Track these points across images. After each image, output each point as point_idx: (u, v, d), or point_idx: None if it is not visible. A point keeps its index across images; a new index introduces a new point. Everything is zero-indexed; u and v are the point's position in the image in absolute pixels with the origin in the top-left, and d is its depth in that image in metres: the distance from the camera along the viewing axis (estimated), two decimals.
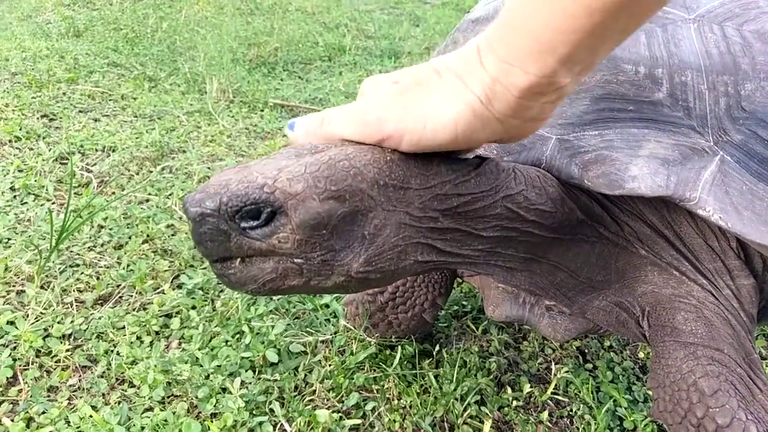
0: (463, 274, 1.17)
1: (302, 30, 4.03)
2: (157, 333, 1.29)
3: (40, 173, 1.89)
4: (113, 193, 1.85)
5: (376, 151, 0.68)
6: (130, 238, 1.60)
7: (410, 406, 1.16)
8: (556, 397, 1.25)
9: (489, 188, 0.77)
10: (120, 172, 1.97)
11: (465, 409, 1.16)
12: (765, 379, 0.85)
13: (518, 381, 1.27)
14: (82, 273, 1.44)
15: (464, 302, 1.50)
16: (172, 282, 1.46)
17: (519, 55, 0.57)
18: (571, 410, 1.22)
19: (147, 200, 1.81)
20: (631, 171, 0.82)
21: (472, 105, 0.61)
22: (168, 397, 1.13)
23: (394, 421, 1.12)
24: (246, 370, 1.19)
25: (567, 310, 1.00)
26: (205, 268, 1.50)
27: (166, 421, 1.06)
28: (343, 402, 1.15)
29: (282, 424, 1.09)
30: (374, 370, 1.23)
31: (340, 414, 1.12)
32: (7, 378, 1.13)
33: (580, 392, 1.26)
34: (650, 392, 1.01)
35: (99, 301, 1.37)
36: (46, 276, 1.41)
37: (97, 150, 2.10)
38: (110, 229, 1.63)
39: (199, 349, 1.23)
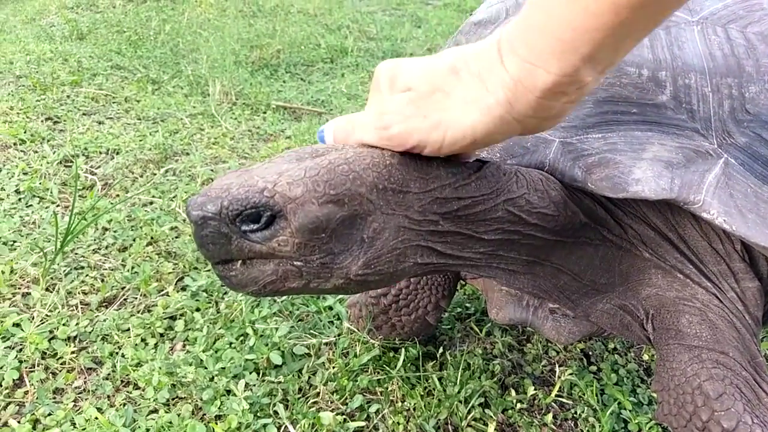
0: (467, 276, 1.17)
1: (304, 32, 4.04)
2: (161, 335, 1.30)
3: (44, 176, 1.90)
4: (117, 195, 1.86)
5: (376, 155, 0.68)
6: (134, 240, 1.60)
7: (414, 409, 1.16)
8: (560, 399, 1.25)
9: (490, 191, 0.77)
10: (124, 175, 1.98)
11: (469, 412, 1.16)
12: None
13: (522, 383, 1.27)
14: (87, 275, 1.45)
15: (468, 304, 1.51)
16: (176, 284, 1.46)
17: (542, 54, 0.56)
18: (576, 413, 1.22)
19: (151, 203, 1.82)
20: (635, 174, 0.82)
21: (491, 109, 0.61)
22: (173, 399, 1.13)
23: (398, 423, 1.13)
24: (250, 372, 1.20)
25: (571, 312, 1.00)
26: (208, 271, 1.51)
27: (171, 423, 1.07)
28: (347, 404, 1.15)
29: (286, 427, 1.09)
30: (378, 373, 1.23)
31: (344, 416, 1.13)
32: (14, 380, 1.13)
33: (584, 394, 1.26)
34: (655, 395, 1.00)
35: (104, 304, 1.38)
36: (52, 278, 1.42)
37: (101, 152, 2.11)
38: (114, 232, 1.63)
39: (204, 351, 1.23)
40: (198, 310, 1.37)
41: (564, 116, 0.64)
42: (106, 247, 1.57)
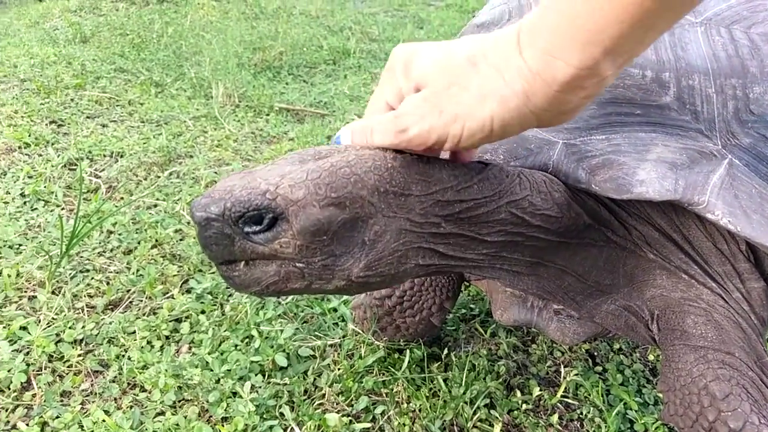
0: (471, 277, 1.17)
1: (307, 34, 4.05)
2: (167, 337, 1.30)
3: (49, 179, 1.91)
4: (122, 198, 1.86)
5: (378, 157, 0.69)
6: (139, 243, 1.61)
7: (419, 410, 1.17)
8: (565, 400, 1.25)
9: (492, 194, 0.77)
10: (128, 178, 1.98)
11: (474, 413, 1.16)
12: None
13: (527, 384, 1.27)
14: (92, 278, 1.46)
15: (472, 305, 1.51)
16: (181, 287, 1.47)
17: (562, 46, 0.55)
18: (581, 413, 1.22)
19: (155, 205, 1.83)
20: (639, 175, 0.82)
21: (508, 101, 0.60)
22: (179, 401, 1.14)
23: (404, 424, 1.13)
24: (256, 374, 1.20)
25: (575, 313, 1.00)
26: (213, 273, 1.51)
27: (177, 425, 1.07)
28: (352, 406, 1.16)
29: (293, 428, 1.09)
30: (383, 374, 1.23)
31: (349, 417, 1.13)
32: (22, 383, 1.14)
33: (590, 395, 1.26)
34: (661, 395, 1.00)
35: (109, 306, 1.39)
36: (57, 281, 1.43)
37: (105, 155, 2.11)
38: (119, 235, 1.64)
39: (209, 354, 1.24)
40: (203, 312, 1.38)
41: (579, 111, 0.63)
42: (111, 250, 1.58)
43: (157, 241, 1.62)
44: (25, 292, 1.39)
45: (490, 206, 0.77)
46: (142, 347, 1.26)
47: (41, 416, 1.07)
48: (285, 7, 4.85)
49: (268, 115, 2.70)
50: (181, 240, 1.65)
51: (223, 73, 2.98)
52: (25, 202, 1.77)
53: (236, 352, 1.25)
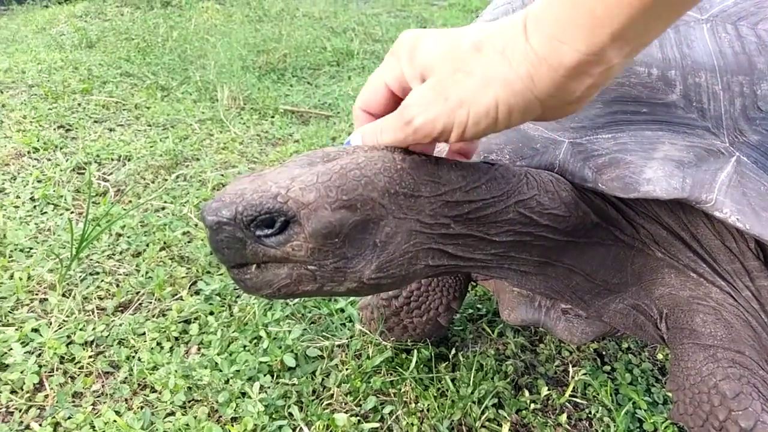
0: (478, 277, 1.17)
1: (310, 35, 4.06)
2: (176, 339, 1.31)
3: (58, 183, 1.92)
4: (130, 201, 1.88)
5: (387, 159, 0.69)
6: (147, 245, 1.62)
7: (428, 410, 1.17)
8: (574, 399, 1.25)
9: (500, 194, 0.77)
10: (136, 181, 2.00)
11: (483, 412, 1.16)
12: None
13: (536, 384, 1.27)
14: (102, 281, 1.47)
15: (479, 305, 1.51)
16: (189, 288, 1.48)
17: (569, 30, 0.55)
18: (590, 413, 1.22)
19: (163, 208, 1.84)
20: (646, 174, 0.82)
21: (513, 84, 0.59)
22: (189, 401, 1.14)
23: (412, 424, 1.13)
24: (264, 375, 1.21)
25: (583, 313, 1.00)
26: (221, 274, 1.52)
27: (187, 425, 1.08)
28: (360, 406, 1.16)
29: (301, 428, 1.10)
30: (391, 374, 1.24)
31: (358, 417, 1.13)
32: (34, 384, 1.15)
33: (598, 394, 1.26)
34: (670, 394, 1.00)
35: (119, 308, 1.40)
36: (68, 284, 1.44)
37: (112, 159, 2.13)
38: (128, 237, 1.65)
39: (218, 354, 1.25)
40: (212, 313, 1.39)
41: (585, 102, 0.62)
42: (121, 253, 1.59)
43: (165, 243, 1.64)
44: (37, 294, 1.40)
45: (498, 206, 0.77)
46: (152, 348, 1.27)
47: (54, 417, 1.08)
48: (288, 9, 4.87)
49: (273, 117, 2.71)
50: (189, 242, 1.66)
51: (228, 76, 2.99)
52: (35, 206, 1.79)
53: (245, 352, 1.25)
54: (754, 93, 0.86)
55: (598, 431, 1.18)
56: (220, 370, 1.21)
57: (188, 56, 3.42)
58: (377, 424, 1.13)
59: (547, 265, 0.91)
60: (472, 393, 1.20)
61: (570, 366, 1.33)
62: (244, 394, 1.16)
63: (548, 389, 1.25)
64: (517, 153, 0.92)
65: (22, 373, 1.16)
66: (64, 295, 1.40)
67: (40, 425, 1.07)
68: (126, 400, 1.15)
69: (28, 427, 1.07)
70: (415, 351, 1.26)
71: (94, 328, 1.30)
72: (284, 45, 3.69)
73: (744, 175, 0.82)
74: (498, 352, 1.36)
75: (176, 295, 1.45)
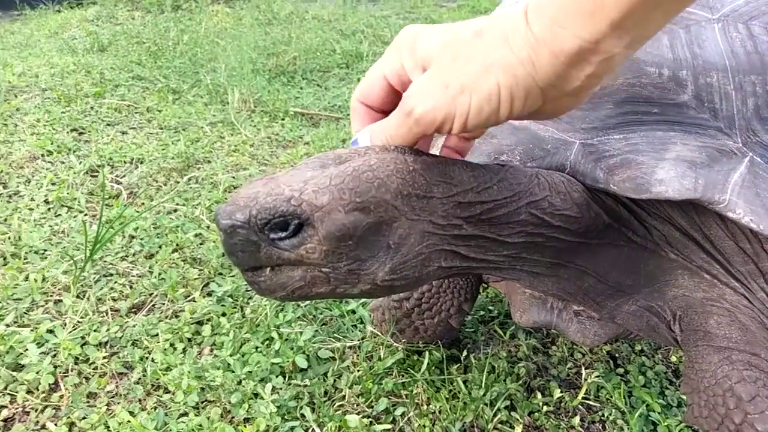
0: (489, 279, 1.17)
1: (319, 38, 4.07)
2: (189, 340, 1.32)
3: (72, 186, 1.95)
4: (142, 203, 1.90)
5: (399, 161, 0.69)
6: (160, 247, 1.64)
7: (439, 412, 1.17)
8: (587, 402, 1.24)
9: (512, 194, 0.77)
10: (148, 183, 2.02)
11: (495, 415, 1.16)
12: None
13: (548, 386, 1.27)
14: (115, 282, 1.49)
15: (491, 307, 1.51)
16: (202, 290, 1.49)
17: (570, 16, 0.55)
18: (603, 415, 1.22)
19: (175, 210, 1.86)
20: (658, 174, 0.82)
21: (514, 69, 0.59)
22: (202, 402, 1.15)
23: (424, 426, 1.13)
24: (276, 376, 1.21)
25: (596, 315, 1.00)
26: (233, 276, 1.53)
27: (200, 425, 1.09)
28: (372, 407, 1.17)
29: (314, 429, 1.10)
30: (402, 376, 1.24)
31: (370, 419, 1.14)
32: (49, 384, 1.17)
33: (611, 397, 1.25)
34: (684, 397, 1.00)
35: (133, 310, 1.41)
36: (82, 286, 1.46)
37: (125, 162, 2.15)
38: (141, 239, 1.67)
39: (231, 356, 1.26)
40: (224, 315, 1.40)
41: (585, 94, 0.62)
42: (134, 255, 1.61)
43: (177, 245, 1.65)
44: (51, 296, 1.42)
45: (510, 207, 0.77)
46: (165, 349, 1.28)
47: (69, 417, 1.10)
48: (298, 12, 4.90)
49: (283, 119, 2.72)
50: (201, 244, 1.67)
51: (239, 79, 3.01)
52: (49, 209, 1.81)
53: (257, 353, 1.26)
54: (767, 92, 0.85)
55: None
56: (233, 371, 1.22)
57: (199, 59, 3.45)
58: (389, 426, 1.13)
59: (559, 267, 0.90)
60: (484, 395, 1.19)
61: (583, 368, 1.33)
62: (256, 395, 1.17)
63: (561, 391, 1.24)
64: (527, 154, 0.92)
65: (37, 373, 1.18)
66: (78, 297, 1.42)
67: (56, 425, 1.08)
68: (140, 400, 1.16)
69: (44, 426, 1.09)
70: (427, 353, 1.26)
71: (108, 329, 1.32)
72: (294, 48, 3.71)
73: (757, 175, 0.81)
74: (510, 354, 1.36)
75: (189, 296, 1.46)
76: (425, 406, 1.18)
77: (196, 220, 1.79)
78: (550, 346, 1.40)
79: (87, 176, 2.03)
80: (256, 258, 0.66)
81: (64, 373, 1.21)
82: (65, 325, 1.32)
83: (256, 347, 1.29)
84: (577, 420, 1.19)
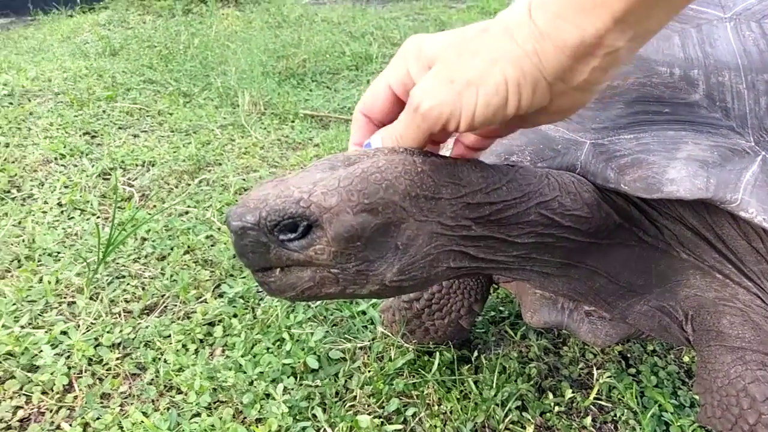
0: (500, 279, 1.17)
1: (329, 40, 4.09)
2: (201, 341, 1.33)
3: (84, 189, 1.97)
4: (154, 206, 1.92)
5: (407, 162, 0.69)
6: (172, 249, 1.65)
7: (451, 412, 1.17)
8: (599, 402, 1.24)
9: (521, 195, 0.77)
10: (160, 186, 2.04)
11: (506, 415, 1.16)
12: None
13: (559, 386, 1.26)
14: (128, 284, 1.50)
15: (501, 308, 1.50)
16: (213, 291, 1.50)
17: (572, 9, 0.55)
18: (615, 415, 1.21)
19: (186, 212, 1.87)
20: (669, 174, 0.81)
21: (521, 61, 0.59)
22: (214, 402, 1.16)
23: (435, 426, 1.13)
24: (288, 377, 1.22)
25: (607, 315, 0.99)
26: (244, 277, 1.54)
27: (213, 426, 1.10)
28: (383, 407, 1.17)
29: (325, 430, 1.11)
30: (413, 376, 1.24)
31: (381, 419, 1.14)
32: (64, 385, 1.18)
33: (623, 397, 1.24)
34: (697, 397, 0.99)
35: (145, 311, 1.43)
36: (95, 287, 1.48)
37: (137, 165, 2.18)
38: (153, 241, 1.69)
39: (242, 356, 1.26)
40: (235, 316, 1.41)
41: (592, 90, 0.62)
42: (146, 257, 1.63)
43: (189, 247, 1.67)
44: (65, 298, 1.44)
45: (519, 207, 0.77)
46: (177, 350, 1.29)
47: (83, 417, 1.11)
48: (307, 14, 4.92)
49: (293, 121, 2.74)
50: (212, 246, 1.69)
51: (249, 81, 3.03)
52: (62, 212, 1.84)
53: (268, 354, 1.27)
54: None
55: None
56: (245, 372, 1.23)
57: (209, 63, 3.47)
58: (400, 426, 1.13)
59: (570, 267, 0.90)
60: (495, 395, 1.19)
61: (594, 369, 1.32)
62: (268, 395, 1.17)
63: (572, 392, 1.24)
64: (538, 154, 0.92)
65: (52, 374, 1.19)
66: (91, 299, 1.44)
67: (71, 425, 1.10)
68: (153, 401, 1.17)
69: (59, 427, 1.10)
70: (438, 353, 1.26)
71: (121, 331, 1.33)
72: (303, 50, 3.73)
73: None
74: (521, 354, 1.36)
75: (200, 297, 1.48)
76: (436, 407, 1.18)
77: (208, 222, 1.81)
78: (562, 346, 1.40)
79: (99, 179, 2.06)
80: (266, 259, 0.67)
81: (78, 374, 1.22)
82: (79, 326, 1.34)
83: (268, 348, 1.30)
84: (588, 420, 1.18)
